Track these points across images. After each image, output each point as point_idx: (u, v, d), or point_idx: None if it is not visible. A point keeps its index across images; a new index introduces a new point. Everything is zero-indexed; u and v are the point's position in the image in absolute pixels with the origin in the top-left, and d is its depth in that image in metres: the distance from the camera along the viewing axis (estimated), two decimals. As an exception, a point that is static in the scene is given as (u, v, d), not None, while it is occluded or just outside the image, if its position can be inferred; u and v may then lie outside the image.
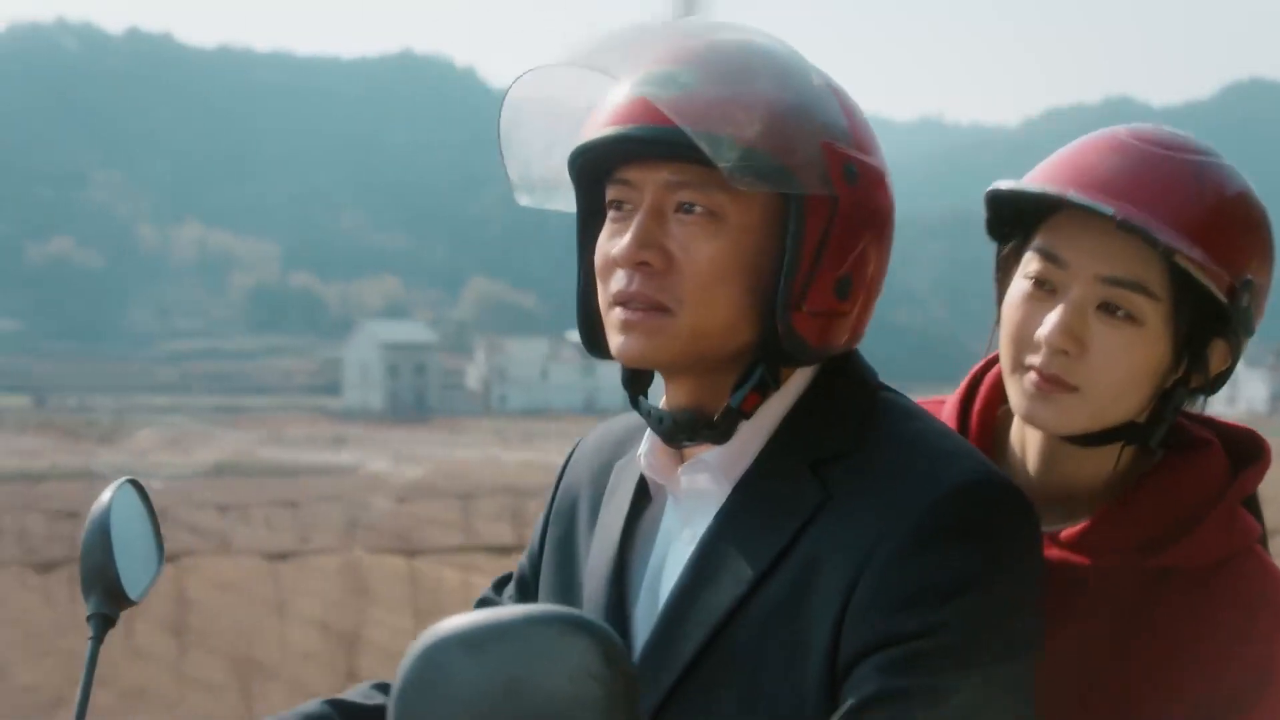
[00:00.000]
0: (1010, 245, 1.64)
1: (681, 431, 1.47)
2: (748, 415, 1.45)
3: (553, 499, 1.72)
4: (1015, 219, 1.63)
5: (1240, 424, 1.70)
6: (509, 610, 0.99)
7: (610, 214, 1.46)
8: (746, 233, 1.41)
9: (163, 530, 1.71)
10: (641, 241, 1.41)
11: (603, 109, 1.44)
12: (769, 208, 1.41)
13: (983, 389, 1.73)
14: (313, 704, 1.65)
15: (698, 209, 1.40)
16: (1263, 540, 1.63)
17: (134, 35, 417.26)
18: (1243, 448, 1.66)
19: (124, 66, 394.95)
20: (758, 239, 1.41)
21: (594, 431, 1.75)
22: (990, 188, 1.61)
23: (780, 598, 1.37)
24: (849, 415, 1.45)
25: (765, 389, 1.45)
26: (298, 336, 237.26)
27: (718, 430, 1.45)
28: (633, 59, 1.41)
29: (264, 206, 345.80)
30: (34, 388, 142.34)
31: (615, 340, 1.44)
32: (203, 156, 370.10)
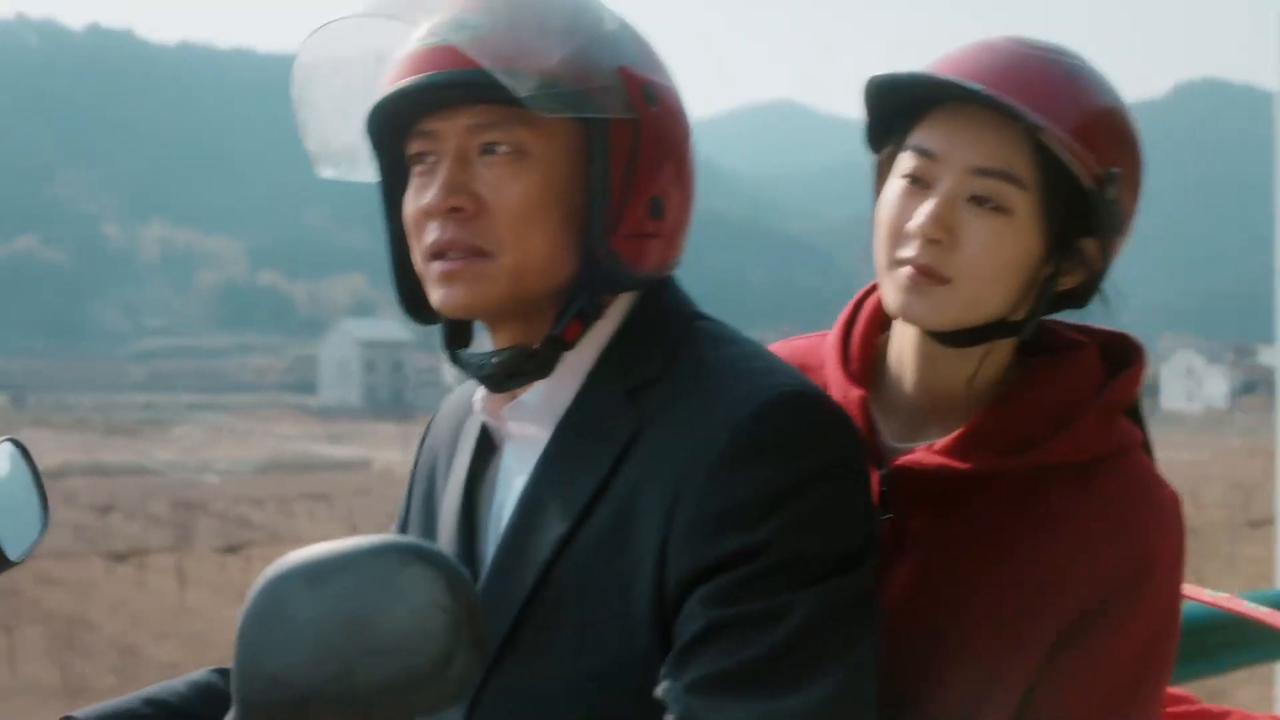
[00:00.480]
0: (885, 150, 1.66)
1: (503, 371, 1.44)
2: (570, 345, 1.44)
3: (415, 466, 1.72)
4: (891, 122, 1.65)
5: (1115, 330, 1.73)
6: (352, 542, 0.96)
7: (415, 169, 1.45)
8: (553, 166, 1.40)
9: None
10: (450, 188, 1.39)
11: (393, 65, 1.43)
12: (572, 139, 1.41)
13: (863, 314, 1.75)
14: (200, 672, 1.65)
15: (502, 148, 1.39)
16: (1146, 449, 1.66)
17: (95, 31, 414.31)
18: (1118, 351, 1.68)
19: (86, 62, 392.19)
20: (565, 171, 1.41)
21: (451, 396, 1.74)
22: (869, 79, 1.62)
23: (603, 532, 1.36)
24: (662, 342, 1.45)
25: (587, 317, 1.44)
26: (267, 334, 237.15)
27: (539, 360, 1.43)
28: (421, 6, 1.42)
29: (229, 204, 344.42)
30: (11, 385, 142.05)
31: (437, 294, 1.42)
32: (167, 154, 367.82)
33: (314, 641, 0.95)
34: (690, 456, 1.33)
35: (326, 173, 1.53)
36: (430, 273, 1.43)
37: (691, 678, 1.25)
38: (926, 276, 1.55)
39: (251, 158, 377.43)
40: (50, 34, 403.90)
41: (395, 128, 1.46)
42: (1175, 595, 1.59)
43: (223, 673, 1.65)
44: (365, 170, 1.52)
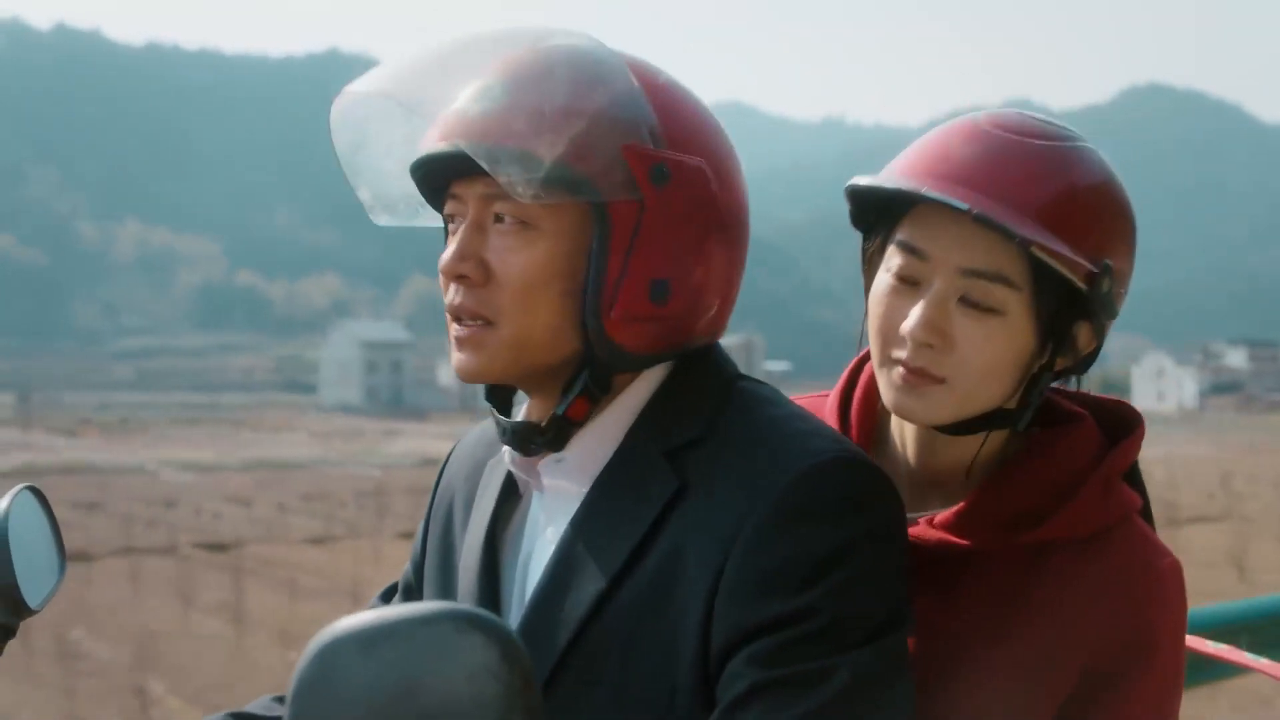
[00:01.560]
0: (874, 239, 1.61)
1: (519, 440, 1.45)
2: (579, 423, 1.43)
3: (431, 502, 1.70)
4: (878, 212, 1.60)
5: (1113, 397, 1.69)
6: (405, 608, 0.96)
7: (449, 228, 1.45)
8: (560, 239, 1.38)
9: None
10: (461, 254, 1.40)
11: (430, 127, 1.42)
12: (581, 214, 1.38)
13: (861, 382, 1.72)
14: (216, 716, 1.61)
15: (510, 219, 1.38)
16: (1145, 513, 1.64)
17: (62, 30, 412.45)
18: (1116, 420, 1.65)
19: (53, 62, 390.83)
20: (572, 245, 1.39)
21: (470, 433, 1.73)
22: (849, 183, 1.58)
23: (644, 590, 1.34)
24: (703, 404, 1.43)
25: (593, 396, 1.42)
26: (245, 334, 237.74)
27: (548, 438, 1.43)
28: (444, 79, 1.39)
29: (199, 203, 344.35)
30: (14, 385, 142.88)
31: (452, 357, 1.43)
32: (136, 153, 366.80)
33: (366, 705, 0.93)
34: (738, 517, 1.32)
35: (384, 221, 1.54)
36: (450, 334, 1.44)
37: None
38: (920, 378, 1.53)
39: (218, 157, 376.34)
40: (16, 34, 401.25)
41: (437, 183, 1.47)
42: (1179, 663, 1.57)
43: (237, 716, 1.64)
44: (421, 217, 1.53)
